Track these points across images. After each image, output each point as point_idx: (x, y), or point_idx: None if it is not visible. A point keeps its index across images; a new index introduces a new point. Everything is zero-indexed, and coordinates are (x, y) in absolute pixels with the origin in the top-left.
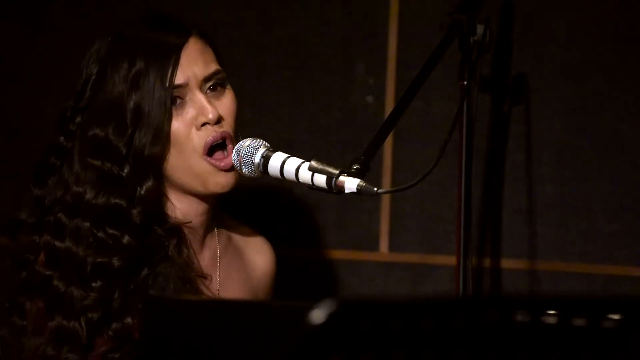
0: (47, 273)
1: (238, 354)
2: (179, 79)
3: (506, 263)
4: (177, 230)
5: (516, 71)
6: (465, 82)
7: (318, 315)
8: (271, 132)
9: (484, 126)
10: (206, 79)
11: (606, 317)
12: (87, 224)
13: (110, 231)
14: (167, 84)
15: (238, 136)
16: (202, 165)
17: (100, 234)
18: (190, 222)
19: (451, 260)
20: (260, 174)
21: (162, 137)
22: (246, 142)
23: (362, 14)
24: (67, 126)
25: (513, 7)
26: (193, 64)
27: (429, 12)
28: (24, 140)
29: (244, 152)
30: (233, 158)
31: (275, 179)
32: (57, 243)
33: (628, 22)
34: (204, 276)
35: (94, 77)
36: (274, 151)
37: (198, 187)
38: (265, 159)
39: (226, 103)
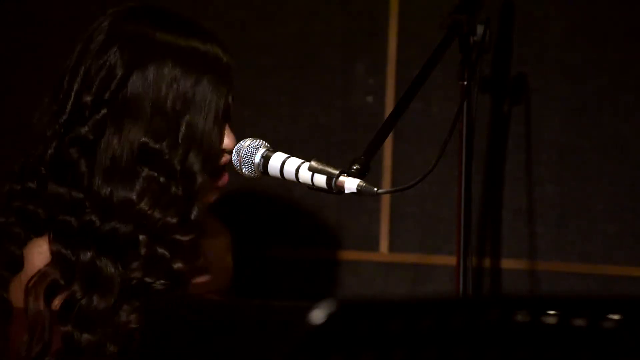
0: (69, 284)
1: (238, 354)
2: None
3: (506, 263)
4: None
5: (516, 71)
6: (465, 82)
7: (318, 315)
8: (271, 132)
9: (484, 126)
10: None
11: (606, 317)
12: (142, 238)
13: (161, 251)
14: (224, 108)
15: None
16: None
17: (151, 251)
18: None
19: (451, 260)
20: (260, 174)
21: (212, 161)
22: (246, 142)
23: (362, 14)
24: (90, 117)
25: (513, 7)
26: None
27: (429, 12)
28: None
29: (244, 152)
30: (233, 158)
31: (275, 179)
32: (86, 253)
33: (628, 22)
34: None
35: (123, 71)
36: (274, 151)
37: None
38: (265, 159)
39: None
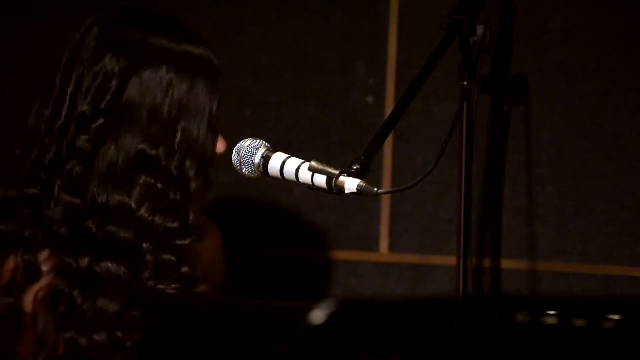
0: (69, 290)
1: (238, 354)
2: None
3: (506, 263)
4: None
5: (516, 71)
6: (465, 82)
7: (318, 315)
8: (271, 132)
9: (484, 126)
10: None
11: (606, 317)
12: (146, 245)
13: (167, 256)
14: (216, 112)
15: None
16: None
17: (160, 257)
18: None
19: (451, 260)
20: (260, 174)
21: (206, 167)
22: (246, 142)
23: (362, 14)
24: (88, 127)
25: (513, 7)
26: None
27: (429, 12)
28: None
29: (243, 152)
30: (233, 158)
31: (275, 179)
32: (87, 258)
33: (628, 22)
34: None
35: (118, 79)
36: (274, 151)
37: None
38: (265, 159)
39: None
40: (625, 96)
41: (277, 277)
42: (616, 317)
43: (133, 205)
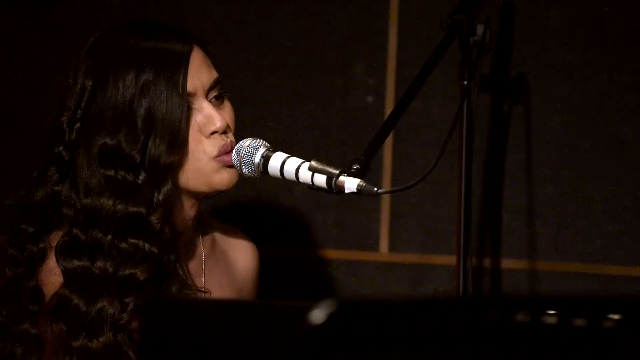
0: (72, 296)
1: (238, 354)
2: (188, 87)
3: (506, 263)
4: (173, 242)
5: (516, 71)
6: (465, 82)
7: (318, 315)
8: (271, 132)
9: (484, 126)
10: (211, 87)
11: (606, 317)
12: (109, 237)
13: (132, 240)
14: (181, 92)
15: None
16: (210, 165)
17: (123, 245)
18: (179, 231)
19: (451, 260)
20: (260, 174)
21: (179, 144)
22: (246, 142)
23: (362, 14)
24: (65, 137)
25: (513, 7)
26: (199, 72)
27: (429, 12)
28: (23, 141)
29: (244, 152)
30: (233, 158)
31: (275, 178)
32: (77, 262)
33: (628, 22)
34: (202, 291)
35: (90, 86)
36: (274, 151)
37: (202, 187)
38: (265, 159)
39: (229, 113)
40: (625, 96)
41: (277, 277)
42: (616, 317)
43: (104, 201)
